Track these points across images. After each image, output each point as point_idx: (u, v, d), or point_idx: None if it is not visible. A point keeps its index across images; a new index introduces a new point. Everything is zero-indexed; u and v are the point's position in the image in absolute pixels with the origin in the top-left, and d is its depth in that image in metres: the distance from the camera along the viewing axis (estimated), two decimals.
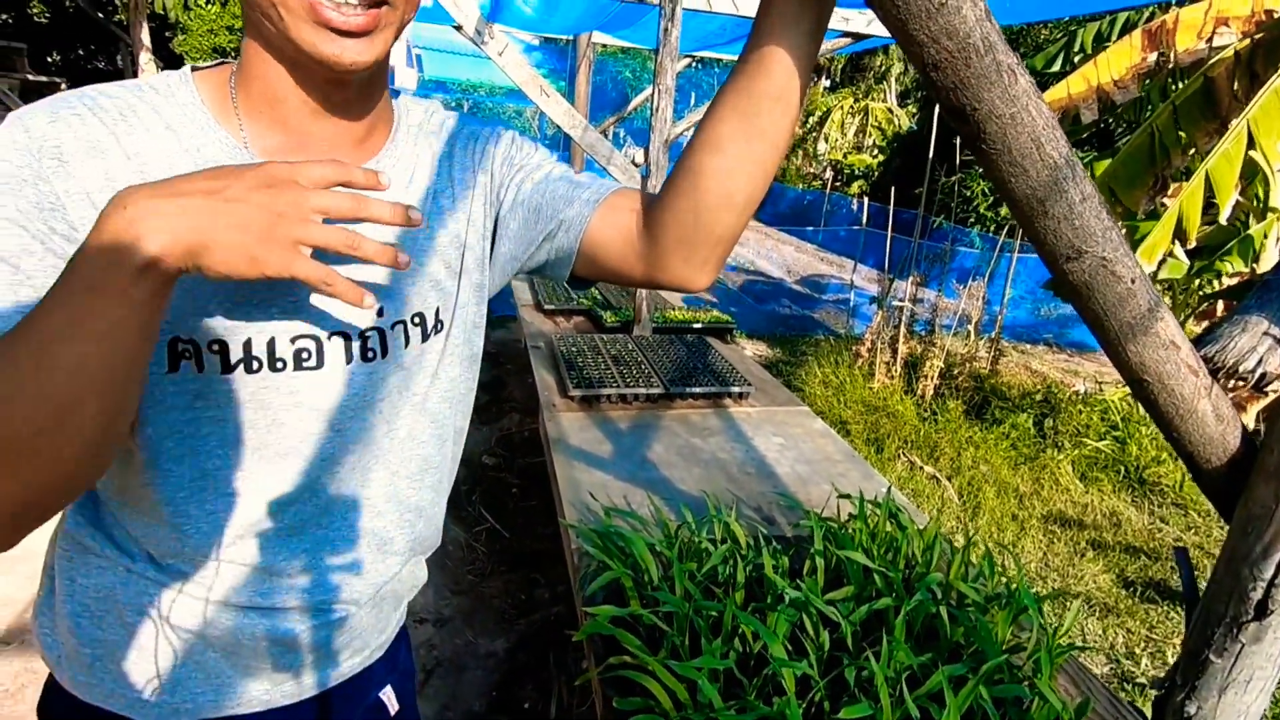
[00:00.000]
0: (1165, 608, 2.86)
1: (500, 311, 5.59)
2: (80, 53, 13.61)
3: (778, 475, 1.78)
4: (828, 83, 18.41)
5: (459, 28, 2.45)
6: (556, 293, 3.30)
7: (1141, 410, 4.16)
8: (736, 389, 2.22)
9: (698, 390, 2.19)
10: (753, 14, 2.50)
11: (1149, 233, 2.72)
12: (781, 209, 13.29)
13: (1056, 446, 4.03)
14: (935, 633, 1.01)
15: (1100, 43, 4.80)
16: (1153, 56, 3.18)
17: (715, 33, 3.76)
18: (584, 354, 2.39)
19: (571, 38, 5.00)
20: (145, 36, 6.87)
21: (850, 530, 1.17)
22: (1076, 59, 5.12)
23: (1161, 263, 2.92)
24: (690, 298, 6.42)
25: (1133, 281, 0.54)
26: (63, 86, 7.33)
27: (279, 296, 0.61)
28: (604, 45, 5.12)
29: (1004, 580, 1.13)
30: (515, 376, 4.60)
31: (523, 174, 0.76)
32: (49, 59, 12.46)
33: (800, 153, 15.68)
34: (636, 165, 2.58)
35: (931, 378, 4.37)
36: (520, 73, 2.41)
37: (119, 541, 0.68)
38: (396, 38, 0.60)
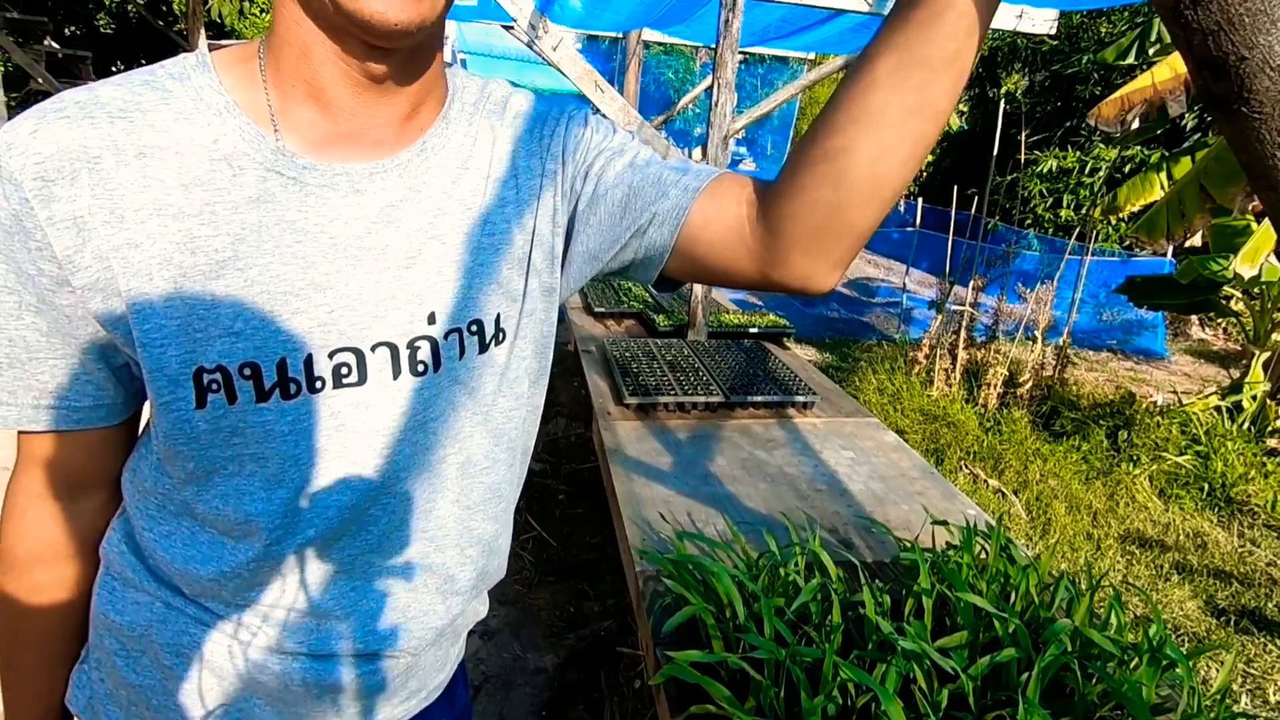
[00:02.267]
0: (1262, 639, 2.64)
1: None
2: (142, 60, 14.13)
3: (851, 493, 1.66)
4: None
5: (509, 27, 2.38)
6: (606, 295, 3.22)
7: (1228, 423, 3.90)
8: (800, 398, 2.09)
9: (759, 399, 2.07)
10: (817, 1, 2.35)
11: (1250, 234, 2.51)
12: None
13: (1132, 461, 3.78)
14: (1061, 687, 0.88)
15: None
16: None
17: (775, 25, 3.63)
18: (638, 359, 2.29)
19: (620, 35, 4.92)
20: (203, 44, 7.05)
21: (955, 562, 1.04)
22: (1151, 50, 4.84)
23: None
24: (742, 300, 6.28)
25: None
26: None
27: (311, 305, 0.53)
28: (649, 44, 5.03)
29: (1139, 626, 0.99)
30: (561, 379, 4.53)
31: (603, 159, 0.64)
32: (113, 67, 12.96)
33: None
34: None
35: (995, 386, 4.16)
36: (575, 68, 2.32)
37: (161, 575, 0.61)
38: (448, 7, 0.51)
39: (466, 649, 0.81)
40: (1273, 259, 3.38)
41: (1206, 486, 3.60)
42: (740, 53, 4.83)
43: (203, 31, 7.17)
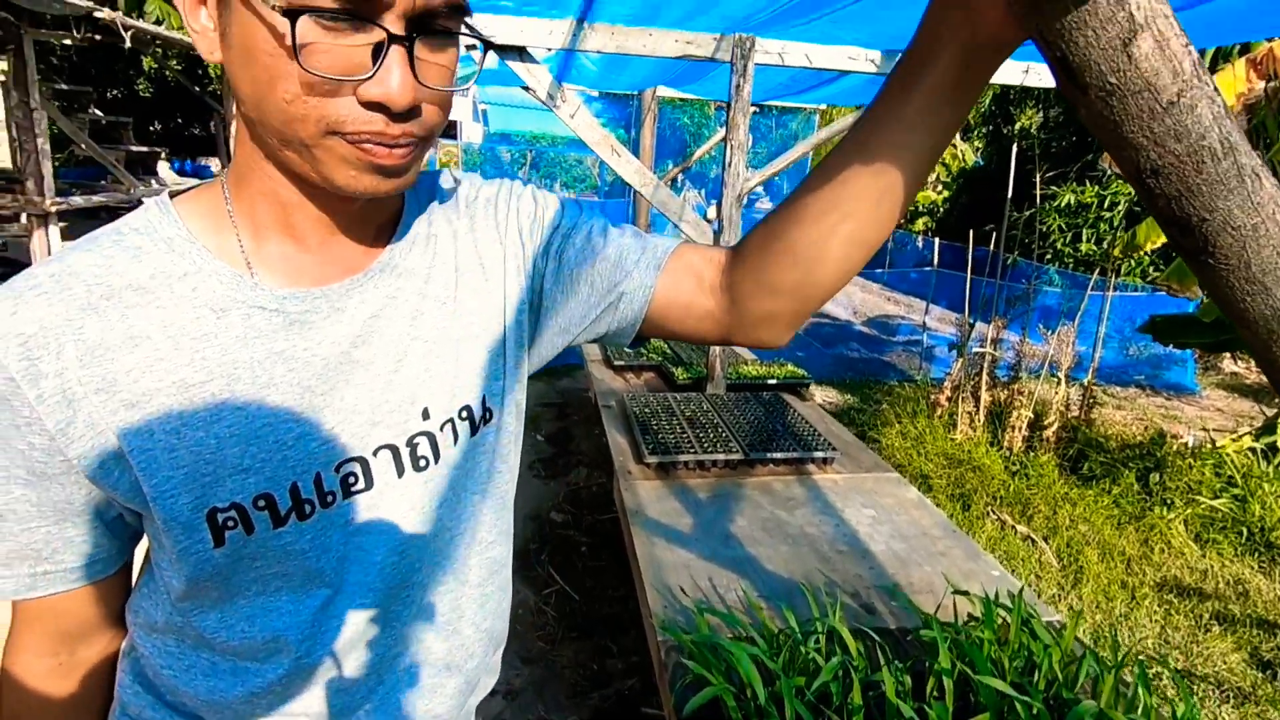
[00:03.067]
0: None
1: (566, 360, 5.60)
2: (179, 121, 14.73)
3: (873, 554, 1.65)
4: None
5: (527, 88, 2.48)
6: (625, 349, 3.26)
7: (1264, 464, 3.80)
8: (820, 453, 2.10)
9: (779, 455, 2.08)
10: (826, 65, 2.42)
11: None
12: None
13: (1165, 504, 3.70)
14: None
15: None
16: (1261, 85, 2.98)
17: (784, 84, 3.73)
18: (658, 416, 2.32)
19: (635, 93, 5.07)
20: (165, 194, 7.37)
21: (976, 639, 1.04)
22: None
23: None
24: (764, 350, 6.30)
25: None
26: (162, 155, 7.89)
27: (312, 428, 0.55)
28: (665, 96, 5.18)
29: (1166, 704, 0.98)
30: (582, 428, 4.56)
31: (561, 238, 0.68)
32: (151, 129, 13.52)
33: None
34: (708, 220, 2.53)
35: (1020, 428, 4.11)
36: (591, 134, 2.41)
37: (184, 709, 0.62)
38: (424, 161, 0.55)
39: (489, 710, 0.82)
40: None
41: (1245, 531, 3.50)
42: (756, 106, 4.95)
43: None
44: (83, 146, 5.48)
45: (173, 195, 0.57)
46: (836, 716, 0.91)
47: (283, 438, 0.54)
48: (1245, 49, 4.04)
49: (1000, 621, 1.12)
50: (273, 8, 0.43)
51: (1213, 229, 0.39)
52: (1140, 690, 0.96)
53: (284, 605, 0.58)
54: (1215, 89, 0.37)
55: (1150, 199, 0.40)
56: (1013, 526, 3.53)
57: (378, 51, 0.45)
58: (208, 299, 0.52)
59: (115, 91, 12.47)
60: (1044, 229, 9.15)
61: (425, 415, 0.60)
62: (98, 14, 4.26)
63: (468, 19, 0.51)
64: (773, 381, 2.87)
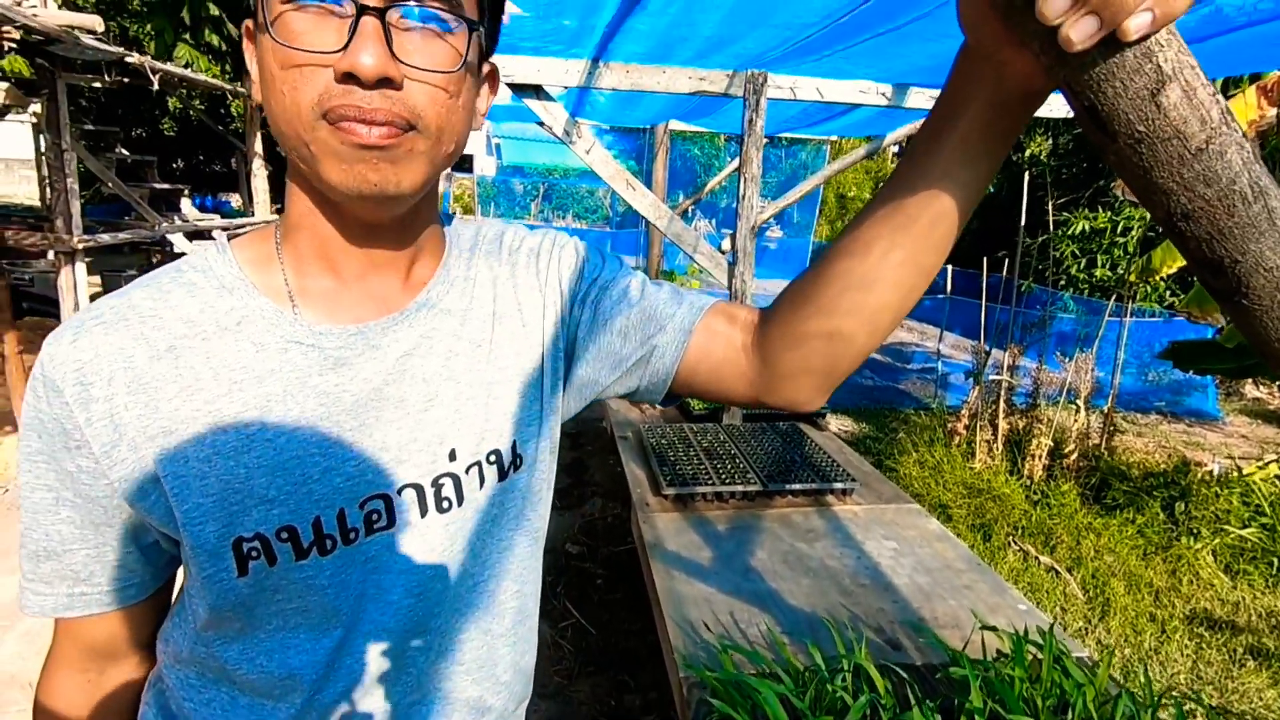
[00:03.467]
0: None
1: None
2: (201, 159, 15.09)
3: (896, 587, 1.63)
4: (897, 148, 18.34)
5: (543, 124, 2.53)
6: None
7: None
8: (839, 485, 2.08)
9: (797, 487, 2.07)
10: (837, 98, 2.46)
11: None
12: None
13: (1192, 534, 3.62)
14: None
15: None
16: (1272, 112, 2.98)
17: (795, 118, 3.78)
18: (675, 447, 2.31)
19: (648, 127, 5.16)
20: (258, 144, 7.53)
21: (1007, 677, 1.02)
22: None
23: None
24: None
25: None
26: (185, 192, 8.09)
27: (339, 463, 0.56)
28: (677, 129, 5.26)
29: None
30: (596, 458, 4.55)
31: (598, 290, 0.68)
32: (174, 166, 13.87)
33: None
34: (723, 252, 2.55)
35: (1040, 457, 4.05)
36: (606, 168, 2.45)
37: None
38: (434, 174, 0.54)
39: None
40: None
41: (1276, 561, 3.42)
42: (768, 138, 5.02)
43: (258, 134, 7.69)
44: (109, 185, 5.62)
45: (231, 238, 0.61)
46: None
47: (309, 471, 0.55)
48: (1256, 77, 4.06)
49: (1031, 658, 1.10)
50: (271, 25, 0.47)
51: (1245, 270, 0.40)
52: None
53: (302, 642, 0.58)
54: (1244, 135, 0.38)
55: (1182, 242, 0.41)
56: (1036, 558, 3.47)
57: (354, 28, 0.47)
58: (249, 334, 0.55)
59: (140, 130, 12.82)
60: (1057, 255, 9.13)
61: (452, 456, 0.60)
62: (128, 59, 4.41)
63: (479, 16, 0.52)
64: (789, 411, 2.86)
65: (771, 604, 1.54)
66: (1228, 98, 3.47)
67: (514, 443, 0.64)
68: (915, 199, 0.51)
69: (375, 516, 0.58)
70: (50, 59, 3.95)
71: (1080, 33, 0.35)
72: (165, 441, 0.52)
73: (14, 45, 3.52)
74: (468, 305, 0.63)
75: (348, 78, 0.47)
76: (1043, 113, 2.79)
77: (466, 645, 0.66)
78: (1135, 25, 0.34)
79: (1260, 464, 4.11)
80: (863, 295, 0.55)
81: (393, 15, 0.48)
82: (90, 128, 7.09)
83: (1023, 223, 4.49)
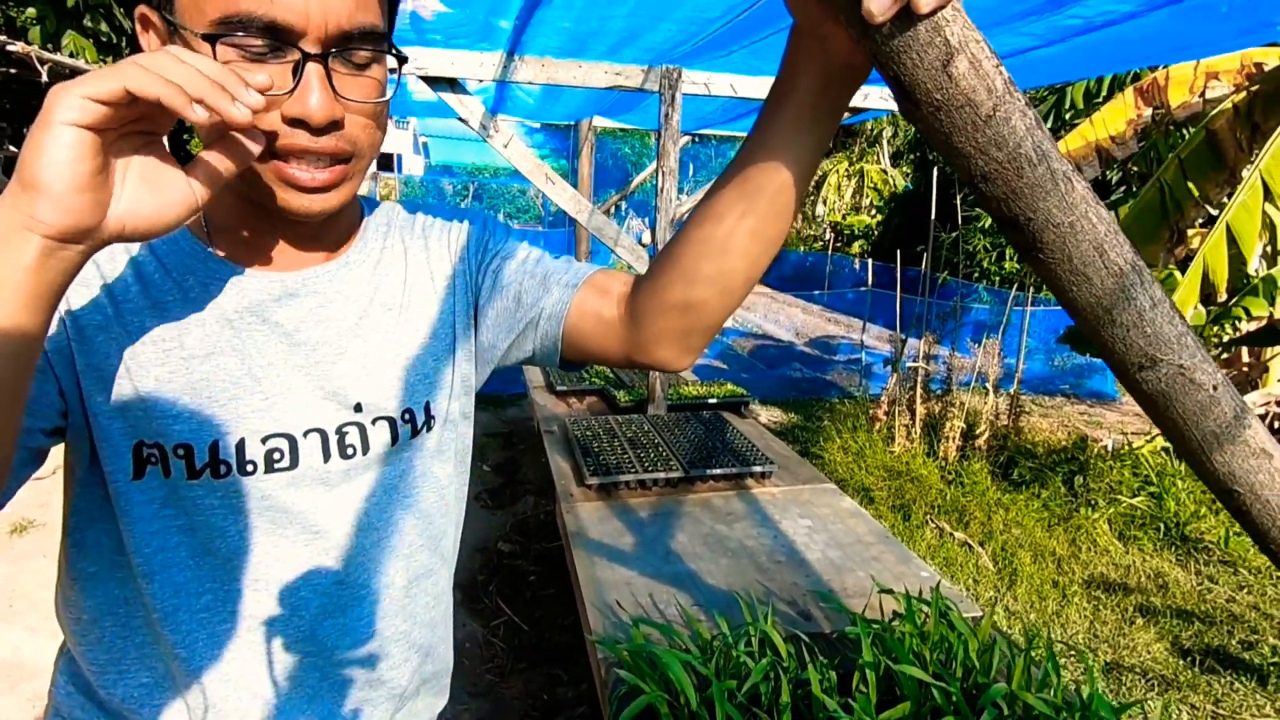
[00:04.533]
0: (1229, 678, 2.68)
1: (512, 390, 5.56)
2: None
3: (809, 563, 1.70)
4: None
5: (465, 121, 2.51)
6: (568, 374, 3.27)
7: (1176, 464, 4.04)
8: (759, 468, 2.15)
9: (718, 471, 2.12)
10: (750, 94, 2.53)
11: (1175, 289, 2.69)
12: (786, 272, 13.43)
13: (1090, 505, 3.88)
14: None
15: (1090, 99, 4.91)
16: (1148, 112, 3.23)
17: (714, 113, 3.86)
18: (599, 438, 2.33)
19: (573, 123, 5.16)
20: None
21: (899, 633, 1.08)
22: (1068, 115, 5.21)
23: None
24: (704, 369, 6.38)
25: (1214, 388, 0.49)
26: None
27: (246, 394, 0.59)
28: (604, 126, 5.28)
29: (1073, 683, 1.03)
30: (529, 456, 4.53)
31: (498, 260, 0.74)
32: None
33: (800, 216, 15.96)
34: (644, 245, 2.59)
35: (953, 439, 4.26)
36: (525, 163, 2.44)
37: (110, 708, 0.63)
38: (362, 179, 0.59)
39: None
40: (1199, 308, 3.58)
41: (1162, 527, 3.70)
42: (693, 135, 5.11)
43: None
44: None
45: None
46: (766, 716, 0.94)
47: (215, 396, 0.58)
48: (1137, 77, 4.38)
49: (923, 617, 1.17)
50: (198, 36, 0.49)
51: (1037, 226, 0.45)
52: (1050, 671, 1.02)
53: (184, 560, 0.60)
54: (1027, 103, 0.42)
55: (985, 202, 0.45)
56: (951, 534, 3.65)
57: (297, 71, 0.51)
58: (176, 263, 0.59)
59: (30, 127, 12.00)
60: (970, 249, 9.59)
61: (358, 408, 0.63)
62: (10, 47, 4.12)
63: (389, 45, 0.56)
64: (713, 401, 2.92)
65: (690, 584, 1.57)
66: (1109, 100, 3.74)
67: (426, 403, 0.68)
68: (758, 170, 0.56)
69: (277, 455, 0.60)
70: None
71: (878, 5, 0.39)
72: (92, 336, 0.56)
73: None
74: (382, 274, 0.68)
75: (296, 122, 0.52)
76: (873, 105, 2.93)
77: (356, 601, 0.67)
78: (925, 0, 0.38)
79: (1148, 438, 4.44)
80: (717, 261, 0.60)
81: (340, 67, 0.53)
82: None
83: (932, 217, 4.71)
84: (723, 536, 1.81)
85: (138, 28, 0.56)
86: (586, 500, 1.99)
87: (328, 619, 0.65)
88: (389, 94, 0.57)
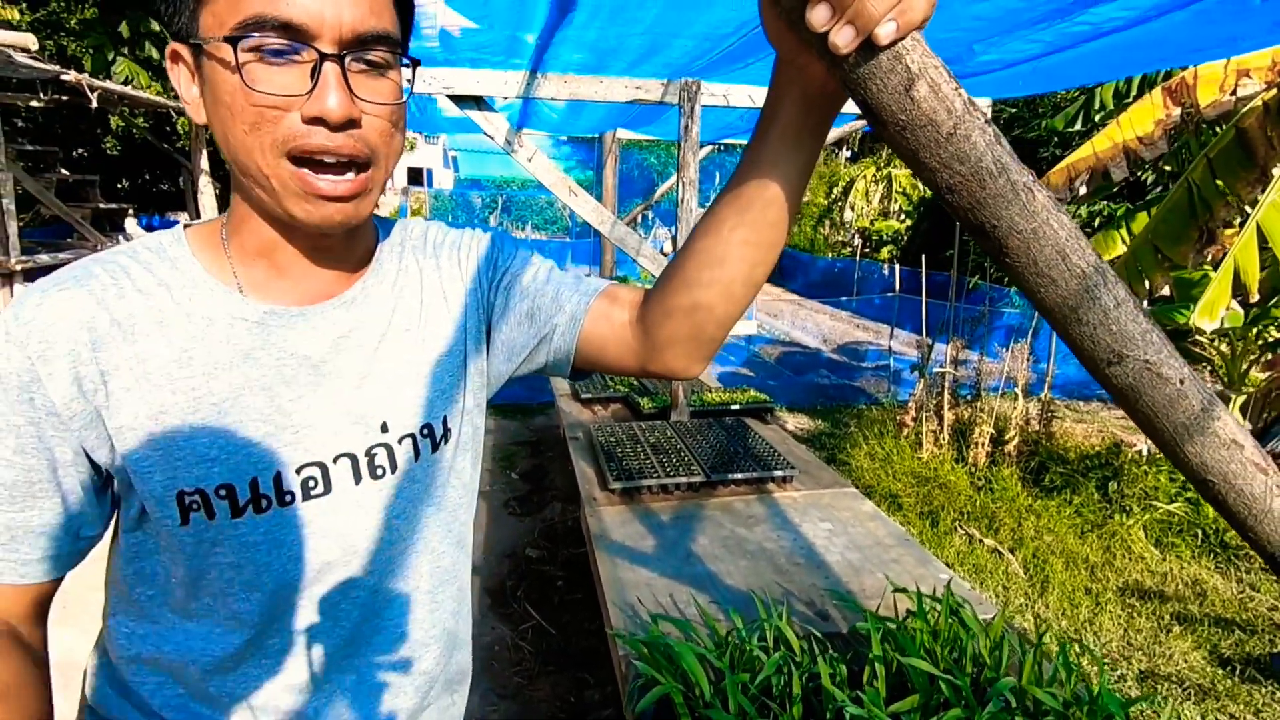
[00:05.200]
0: (1270, 688, 2.61)
1: (540, 399, 5.64)
2: (146, 178, 14.73)
3: (828, 565, 1.72)
4: (848, 153, 18.80)
5: (491, 136, 2.59)
6: (593, 381, 3.33)
7: None
8: (779, 472, 2.17)
9: (739, 476, 2.15)
10: None
11: (1205, 289, 2.65)
12: (813, 278, 13.37)
13: (1124, 511, 3.81)
14: None
15: (1120, 99, 4.83)
16: (1177, 111, 3.19)
17: (735, 122, 3.90)
18: (623, 444, 2.38)
19: (598, 135, 5.24)
20: (204, 161, 7.41)
21: (910, 630, 1.10)
22: (1097, 117, 5.14)
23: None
24: (730, 376, 6.39)
25: (1181, 382, 0.52)
26: (130, 211, 7.91)
27: (277, 429, 0.62)
28: (628, 138, 5.37)
29: (1083, 679, 1.05)
30: (556, 464, 4.59)
31: (509, 277, 0.77)
32: (119, 185, 13.51)
33: (827, 222, 15.87)
34: (665, 255, 2.64)
35: (983, 445, 4.22)
36: (549, 176, 2.51)
37: (148, 708, 0.67)
38: (381, 191, 0.62)
39: None
40: (1235, 306, 3.51)
41: (1200, 533, 3.62)
42: (715, 144, 5.16)
43: (204, 151, 7.58)
44: (48, 205, 5.49)
45: (185, 227, 0.66)
46: (777, 707, 0.97)
47: (250, 435, 0.61)
48: (1167, 77, 4.32)
49: (935, 615, 1.19)
50: (220, 40, 0.52)
51: (1002, 233, 0.48)
52: (1060, 668, 1.03)
53: (238, 592, 0.63)
54: (986, 120, 0.46)
55: (954, 211, 0.49)
56: (980, 540, 3.62)
57: (315, 73, 0.54)
58: (200, 308, 0.61)
59: (81, 150, 12.47)
60: None
61: (384, 429, 0.67)
62: (65, 76, 4.34)
63: (404, 51, 0.59)
64: (736, 407, 2.95)
65: (709, 585, 1.61)
66: (1138, 100, 3.69)
67: (444, 418, 0.72)
68: (750, 185, 0.61)
69: (312, 483, 0.63)
70: None
71: (843, 38, 0.43)
72: (122, 399, 0.57)
73: None
74: (398, 296, 0.71)
75: (315, 120, 0.54)
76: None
77: (390, 605, 0.72)
78: (884, 32, 0.42)
79: None
80: (717, 269, 0.65)
81: (349, 61, 0.55)
82: (29, 148, 6.91)
83: (959, 222, 4.67)
84: (742, 539, 1.84)
85: (168, 64, 0.59)
86: (610, 504, 2.04)
87: (364, 623, 0.70)
88: (404, 99, 0.60)
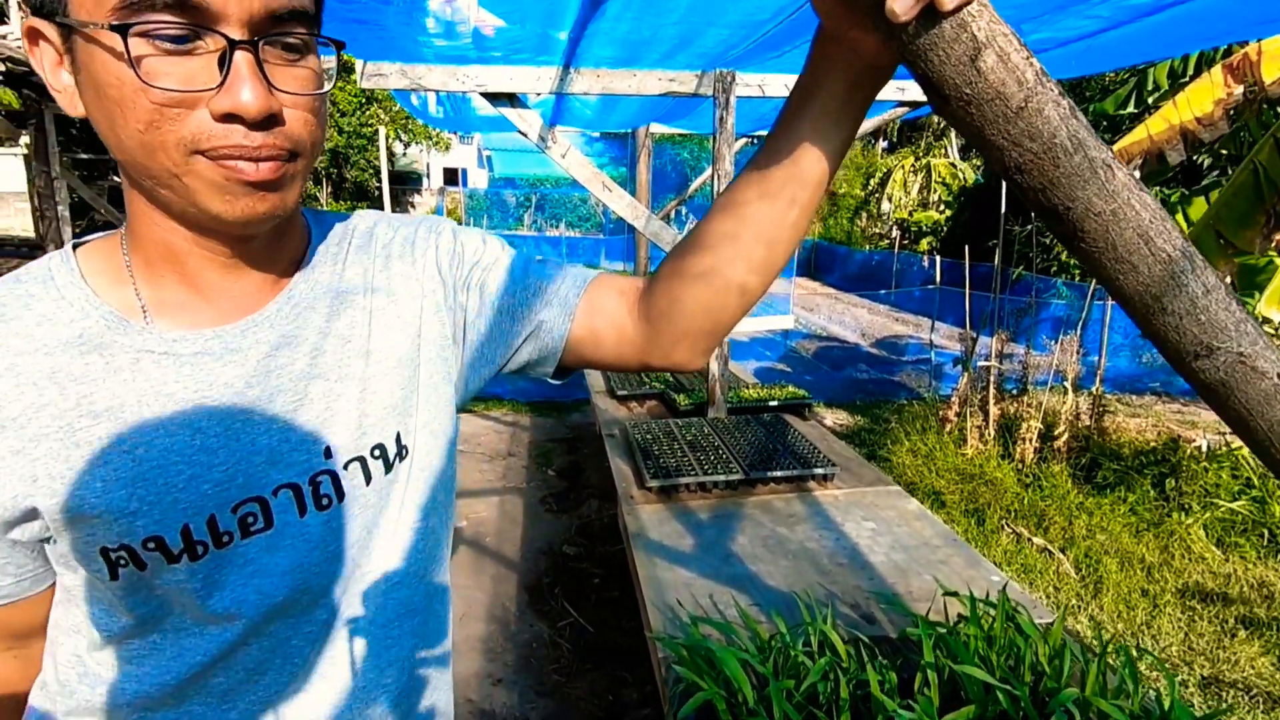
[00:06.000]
0: None
1: (575, 395, 5.65)
2: None
3: (873, 565, 1.67)
4: (885, 144, 18.43)
5: (521, 132, 2.59)
6: (629, 378, 3.31)
7: None
8: (820, 470, 2.12)
9: (779, 474, 2.11)
10: None
11: (1273, 276, 2.51)
12: (851, 271, 13.16)
13: (1183, 510, 3.65)
14: None
15: (1175, 79, 4.63)
16: (1239, 90, 3.03)
17: (770, 114, 3.83)
18: (659, 441, 2.35)
19: (631, 131, 5.22)
20: (68, 245, 7.60)
21: (964, 636, 1.06)
22: (1151, 99, 4.93)
23: None
24: (766, 372, 6.32)
25: (1279, 376, 0.47)
26: None
27: (205, 469, 0.54)
28: (661, 133, 5.33)
29: (1153, 691, 0.99)
30: (592, 461, 4.59)
31: (480, 271, 0.69)
32: None
33: (864, 214, 15.60)
34: None
35: (1030, 440, 4.09)
36: (583, 172, 2.50)
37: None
38: (301, 195, 0.55)
39: None
40: None
41: (1266, 533, 3.45)
42: (750, 137, 5.09)
43: None
44: (102, 212, 5.69)
45: (76, 246, 0.58)
46: (824, 715, 0.93)
47: (173, 480, 0.53)
48: (1228, 53, 4.11)
49: (990, 621, 1.14)
50: (103, 27, 0.44)
51: (1078, 215, 0.44)
52: (1126, 678, 0.98)
53: (190, 626, 0.58)
54: (1060, 93, 0.42)
55: (1023, 193, 0.45)
56: (1029, 539, 3.50)
57: (224, 62, 0.45)
58: (95, 344, 0.53)
59: None
60: (1046, 242, 9.17)
61: (328, 454, 0.59)
62: None
63: (319, 29, 0.52)
64: (774, 403, 2.90)
65: (750, 586, 1.57)
66: (1196, 78, 3.52)
67: (397, 434, 0.63)
68: (781, 167, 0.56)
69: (251, 519, 0.56)
70: (36, 90, 4.01)
71: (901, 5, 0.40)
72: (15, 463, 0.51)
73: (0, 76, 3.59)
74: (336, 300, 0.62)
75: (228, 118, 0.46)
76: (910, 97, 2.83)
77: (352, 637, 0.65)
78: None
79: None
80: (739, 259, 0.60)
81: (272, 55, 0.48)
82: (83, 156, 7.17)
83: (1004, 210, 4.53)
84: (783, 538, 1.80)
85: (26, 45, 0.49)
86: (647, 503, 2.02)
87: (318, 656, 0.64)
88: (328, 86, 0.52)
